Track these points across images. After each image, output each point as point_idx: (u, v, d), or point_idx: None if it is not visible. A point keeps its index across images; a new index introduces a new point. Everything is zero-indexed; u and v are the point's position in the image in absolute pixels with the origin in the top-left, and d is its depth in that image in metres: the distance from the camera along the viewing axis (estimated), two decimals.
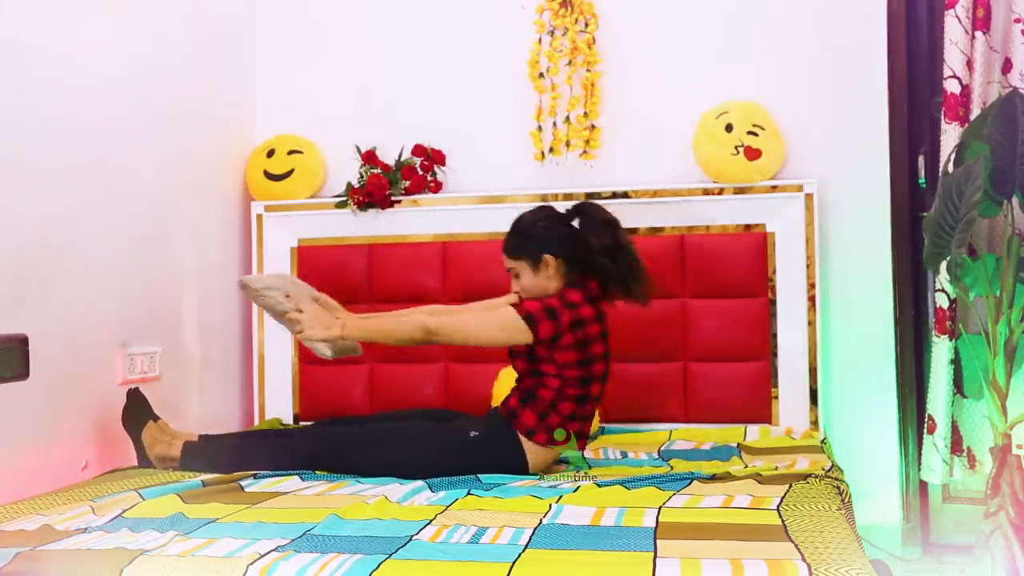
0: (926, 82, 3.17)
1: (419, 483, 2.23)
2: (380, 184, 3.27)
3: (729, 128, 3.06)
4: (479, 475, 2.32)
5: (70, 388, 2.55)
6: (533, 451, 2.44)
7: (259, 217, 3.38)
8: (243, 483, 2.25)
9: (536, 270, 2.50)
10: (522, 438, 2.43)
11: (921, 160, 3.17)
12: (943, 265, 2.70)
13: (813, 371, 3.03)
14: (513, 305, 2.42)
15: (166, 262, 3.01)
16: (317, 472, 2.38)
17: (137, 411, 2.59)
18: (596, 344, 2.45)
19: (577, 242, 2.49)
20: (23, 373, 2.23)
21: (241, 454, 2.51)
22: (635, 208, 3.16)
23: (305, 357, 3.34)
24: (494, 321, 2.41)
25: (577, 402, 2.44)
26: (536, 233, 2.52)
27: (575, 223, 2.53)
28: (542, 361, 2.44)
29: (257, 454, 2.49)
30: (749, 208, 3.09)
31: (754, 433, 2.96)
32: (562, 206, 2.61)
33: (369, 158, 3.36)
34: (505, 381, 3.09)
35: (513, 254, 2.53)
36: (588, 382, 2.45)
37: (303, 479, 2.32)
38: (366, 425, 2.66)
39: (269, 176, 3.39)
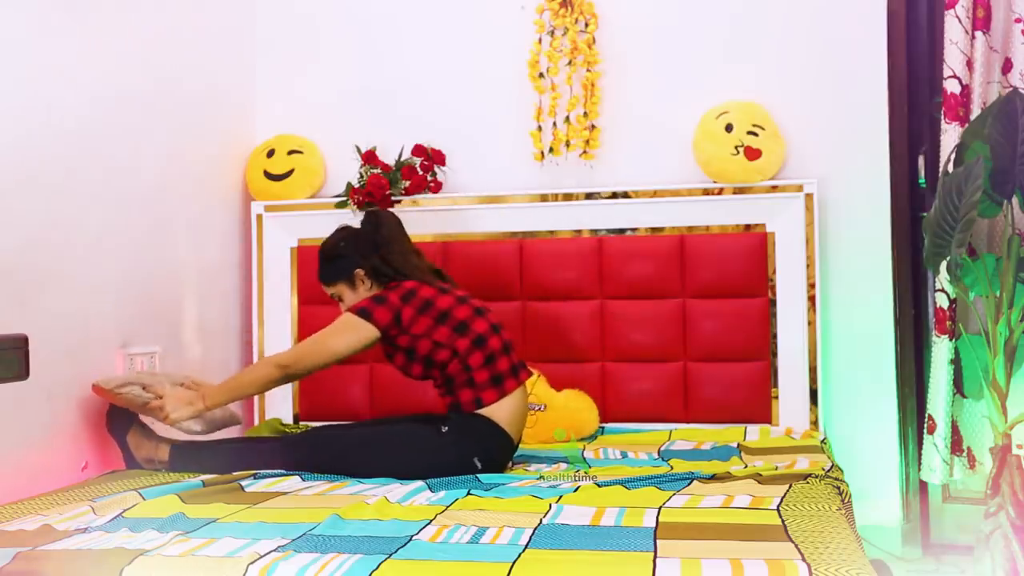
0: (926, 82, 3.17)
1: (419, 483, 2.23)
2: (380, 184, 3.27)
3: (729, 128, 3.06)
4: (479, 475, 2.32)
5: (70, 388, 2.54)
6: (499, 411, 2.46)
7: (259, 217, 3.38)
8: (244, 483, 2.25)
9: (354, 287, 2.63)
10: (481, 412, 2.45)
11: (921, 160, 3.17)
12: (943, 265, 2.70)
13: (813, 371, 3.03)
14: (347, 311, 2.52)
15: (166, 262, 3.01)
16: (302, 472, 2.38)
17: (121, 415, 2.58)
18: (457, 309, 2.50)
19: (377, 247, 2.62)
20: (23, 373, 2.22)
21: (229, 456, 2.50)
22: (635, 208, 3.16)
23: None
24: (334, 328, 2.51)
25: (488, 361, 2.48)
26: (341, 254, 2.65)
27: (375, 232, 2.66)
28: (417, 349, 2.49)
29: (245, 456, 2.48)
30: (749, 208, 3.09)
31: (754, 433, 2.96)
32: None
33: (369, 158, 3.36)
34: None
35: (329, 281, 2.67)
36: (482, 342, 2.48)
37: (303, 479, 2.32)
38: (354, 429, 2.68)
39: (269, 176, 3.39)
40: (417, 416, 2.70)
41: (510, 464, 2.55)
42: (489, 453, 2.43)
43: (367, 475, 2.36)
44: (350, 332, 2.49)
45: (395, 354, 2.55)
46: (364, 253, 2.62)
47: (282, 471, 2.37)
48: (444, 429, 2.45)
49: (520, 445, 2.60)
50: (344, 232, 2.72)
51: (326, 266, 2.68)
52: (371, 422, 2.88)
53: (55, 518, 1.92)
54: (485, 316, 2.54)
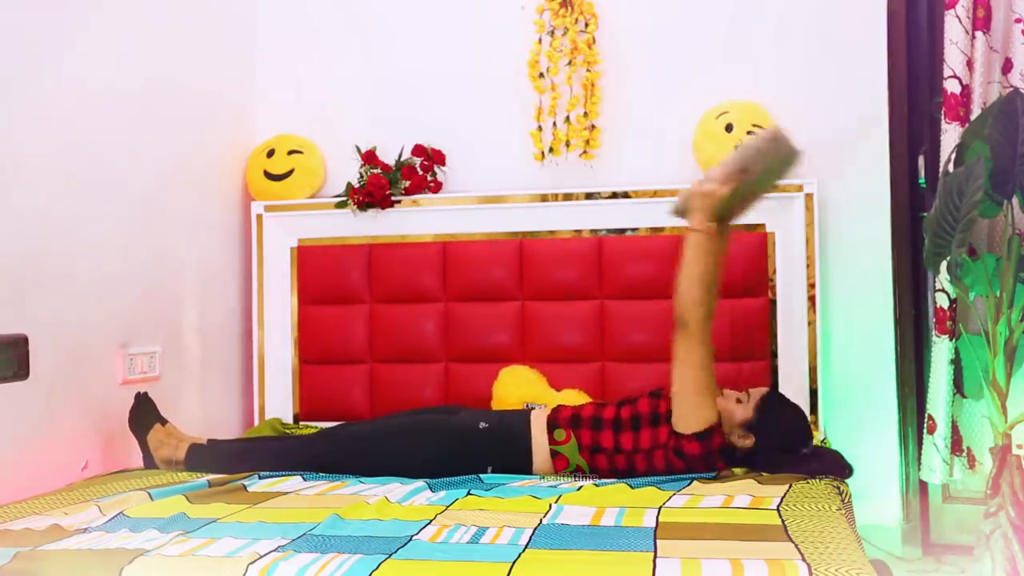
0: (926, 82, 3.17)
1: (420, 483, 2.23)
2: (380, 184, 3.27)
3: (729, 128, 3.06)
4: (480, 475, 2.32)
5: (70, 388, 2.55)
6: (540, 453, 2.44)
7: (259, 217, 3.38)
8: (247, 483, 2.25)
9: (741, 427, 2.43)
10: (534, 442, 2.44)
11: (921, 160, 3.17)
12: (943, 265, 2.70)
13: (813, 371, 3.03)
14: (718, 418, 2.38)
15: (166, 262, 3.01)
16: (318, 472, 2.38)
17: (143, 414, 2.60)
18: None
19: (777, 453, 2.42)
20: (23, 373, 2.23)
21: (246, 456, 2.51)
22: (635, 208, 3.16)
23: (305, 357, 3.35)
24: (703, 394, 2.36)
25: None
26: (778, 432, 2.45)
27: (810, 459, 2.44)
28: (639, 431, 2.41)
29: (262, 458, 2.49)
30: None
31: None
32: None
33: (369, 158, 3.36)
34: (505, 381, 3.10)
35: (757, 410, 2.45)
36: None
37: (305, 479, 2.32)
38: (375, 423, 2.68)
39: (269, 176, 3.39)
40: (436, 409, 2.71)
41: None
42: (503, 460, 2.43)
43: (391, 467, 2.37)
44: (698, 410, 2.35)
45: (651, 407, 2.46)
46: (770, 453, 2.42)
47: (283, 471, 2.37)
48: (483, 425, 2.46)
49: None
50: (803, 440, 2.50)
51: (774, 413, 2.46)
52: (386, 417, 2.86)
53: (62, 518, 1.92)
54: None
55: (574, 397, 3.07)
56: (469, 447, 2.43)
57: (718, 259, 2.38)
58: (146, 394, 2.65)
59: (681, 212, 2.43)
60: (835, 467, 2.36)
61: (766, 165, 2.39)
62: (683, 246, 2.38)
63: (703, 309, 2.34)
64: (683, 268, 2.36)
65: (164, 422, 2.61)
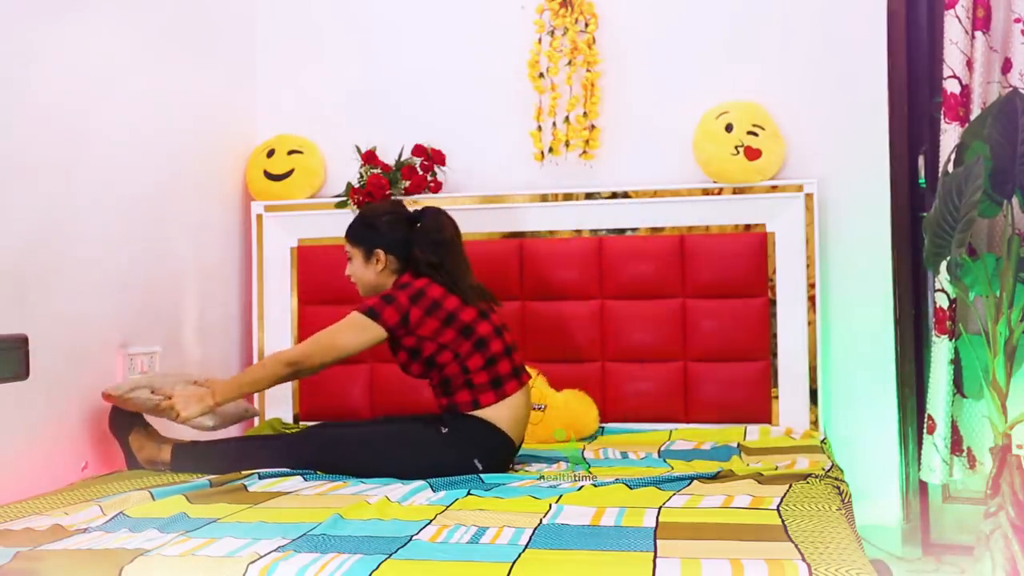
0: (926, 82, 3.17)
1: (420, 483, 2.23)
2: (380, 184, 3.27)
3: (729, 128, 3.06)
4: (480, 475, 2.32)
5: (70, 388, 2.54)
6: (498, 413, 2.45)
7: (259, 217, 3.38)
8: (247, 483, 2.25)
9: (367, 261, 2.61)
10: (478, 413, 2.45)
11: (921, 160, 3.17)
12: (943, 265, 2.70)
13: (813, 371, 3.03)
14: (373, 322, 2.48)
15: (166, 262, 3.01)
16: (319, 472, 2.38)
17: (123, 416, 2.58)
18: (463, 311, 2.48)
19: (410, 248, 2.58)
20: (23, 373, 2.23)
21: (231, 455, 2.50)
22: (635, 208, 3.16)
23: None
24: (342, 326, 2.50)
25: (489, 363, 2.48)
26: (377, 227, 2.61)
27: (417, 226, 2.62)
28: (422, 349, 2.48)
29: (248, 455, 2.48)
30: (749, 208, 3.09)
31: (754, 433, 2.96)
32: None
33: (369, 158, 3.36)
34: None
35: (351, 240, 2.64)
36: (483, 344, 2.48)
37: (306, 479, 2.32)
38: (355, 428, 2.67)
39: (269, 176, 3.39)
40: (417, 416, 2.69)
41: (512, 465, 2.55)
42: (489, 454, 2.43)
43: (368, 474, 2.36)
44: (358, 331, 2.48)
45: (399, 351, 2.55)
46: (396, 239, 2.59)
47: (285, 471, 2.37)
48: (444, 430, 2.45)
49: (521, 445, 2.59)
50: (394, 208, 2.70)
51: (359, 227, 2.64)
52: (371, 421, 2.87)
53: (64, 518, 1.92)
54: (489, 318, 2.54)
55: (574, 397, 3.07)
56: (448, 454, 2.42)
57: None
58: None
59: (216, 420, 2.58)
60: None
61: (131, 388, 2.56)
62: (246, 392, 2.59)
63: (276, 366, 2.52)
64: (262, 386, 2.61)
65: (145, 425, 2.60)
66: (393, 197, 3.29)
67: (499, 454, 2.46)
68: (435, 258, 2.55)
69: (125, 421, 2.57)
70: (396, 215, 2.65)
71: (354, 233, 2.64)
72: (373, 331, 2.47)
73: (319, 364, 2.50)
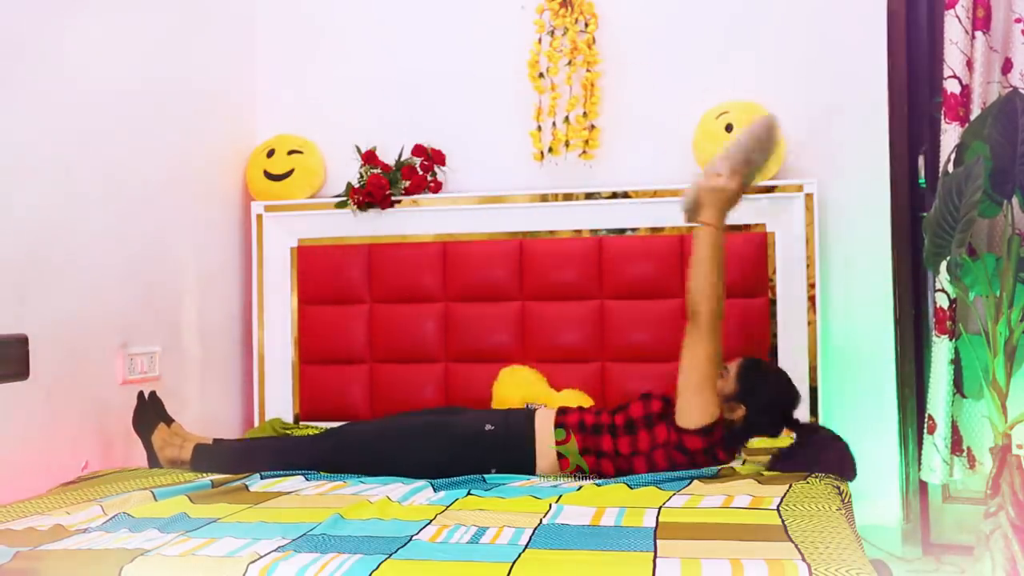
0: (926, 82, 3.17)
1: (421, 482, 2.23)
2: (380, 184, 3.27)
3: (729, 128, 3.06)
4: (483, 475, 2.32)
5: (70, 388, 2.55)
6: (544, 455, 2.43)
7: (259, 217, 3.38)
8: (248, 483, 2.25)
9: (727, 400, 2.44)
10: (538, 442, 2.43)
11: (921, 160, 3.17)
12: (943, 265, 2.70)
13: (813, 371, 3.03)
14: (720, 411, 2.40)
15: (166, 262, 3.01)
16: (321, 471, 2.38)
17: (147, 413, 2.59)
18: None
19: (771, 434, 2.52)
20: (23, 373, 2.23)
21: (252, 456, 2.51)
22: (635, 208, 3.16)
23: (305, 357, 3.35)
24: (706, 388, 2.38)
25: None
26: (768, 391, 2.48)
27: (790, 428, 2.52)
28: (648, 430, 2.42)
29: (267, 457, 2.49)
30: (749, 208, 3.08)
31: None
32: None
33: (369, 158, 3.36)
34: (505, 381, 3.09)
35: (739, 374, 2.47)
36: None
37: (307, 479, 2.32)
38: (382, 422, 2.67)
39: (269, 176, 3.39)
40: (438, 410, 2.71)
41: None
42: (508, 464, 2.42)
43: (402, 466, 2.37)
44: (700, 397, 2.37)
45: (663, 408, 2.45)
46: (765, 419, 2.48)
47: (289, 471, 2.37)
48: (488, 427, 2.46)
49: None
50: (790, 399, 2.53)
51: (754, 376, 2.48)
52: (400, 416, 2.83)
53: (65, 518, 1.92)
54: None
55: (574, 397, 3.07)
56: (474, 449, 2.42)
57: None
58: (153, 393, 2.65)
59: (691, 210, 2.46)
60: (841, 465, 2.37)
61: (766, 154, 2.45)
62: (694, 241, 2.42)
63: (713, 303, 2.38)
64: (695, 264, 2.40)
65: (170, 421, 2.61)
66: (393, 197, 3.29)
67: (514, 470, 2.44)
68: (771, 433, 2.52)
69: (150, 419, 2.58)
70: (784, 397, 2.52)
71: (744, 381, 2.46)
72: (712, 394, 2.38)
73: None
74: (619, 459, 2.41)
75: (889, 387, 3.09)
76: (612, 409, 2.52)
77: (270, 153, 3.41)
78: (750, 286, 3.08)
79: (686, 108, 3.19)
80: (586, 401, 3.07)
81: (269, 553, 1.62)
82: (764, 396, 2.47)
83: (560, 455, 2.42)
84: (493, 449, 2.43)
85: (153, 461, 2.57)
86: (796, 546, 1.61)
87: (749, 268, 3.08)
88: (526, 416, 2.51)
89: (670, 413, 2.42)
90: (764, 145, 2.45)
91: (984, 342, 2.70)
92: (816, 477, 2.22)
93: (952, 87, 2.82)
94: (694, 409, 2.37)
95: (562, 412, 2.51)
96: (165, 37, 3.01)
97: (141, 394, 2.64)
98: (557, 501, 2.01)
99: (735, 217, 3.07)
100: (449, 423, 2.53)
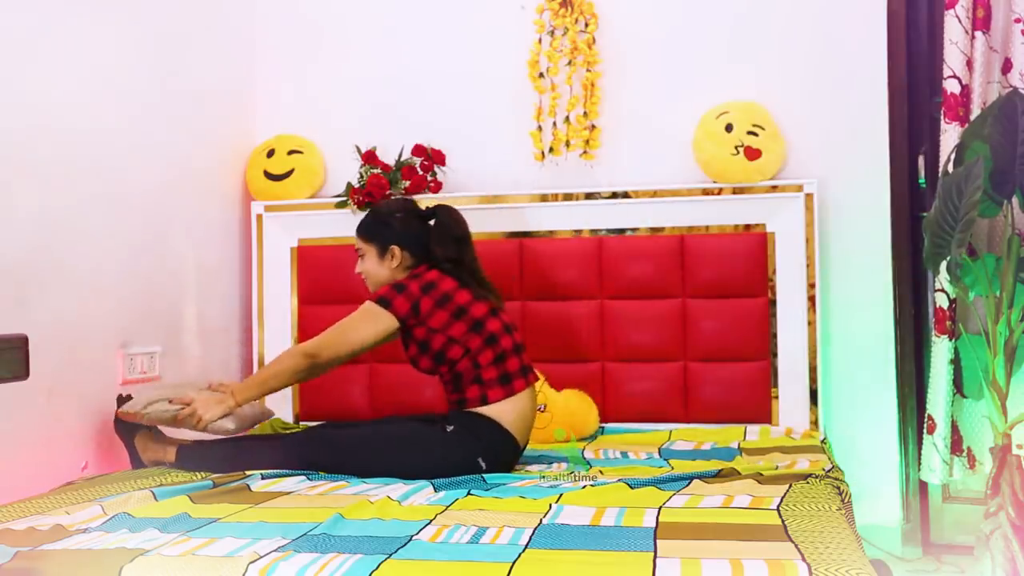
0: (926, 82, 3.17)
1: (422, 482, 2.23)
2: (380, 184, 3.27)
3: (729, 128, 3.06)
4: (483, 475, 2.32)
5: (70, 388, 2.55)
6: (504, 412, 2.44)
7: (259, 217, 3.38)
8: (250, 483, 2.25)
9: (381, 258, 2.62)
10: (487, 409, 2.44)
11: (921, 160, 3.17)
12: (943, 265, 2.70)
13: (813, 371, 3.03)
14: (386, 313, 2.48)
15: (166, 262, 3.01)
16: (301, 471, 2.38)
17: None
18: (474, 306, 2.49)
19: (425, 244, 2.59)
20: (23, 373, 2.22)
21: (233, 455, 2.50)
22: (635, 208, 3.16)
23: None
24: (355, 317, 2.51)
25: (498, 359, 2.48)
26: (391, 224, 2.62)
27: (431, 223, 2.63)
28: (432, 342, 2.48)
29: (248, 456, 2.48)
30: (749, 208, 3.09)
31: (754, 433, 2.96)
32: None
33: (369, 158, 3.36)
34: None
35: (364, 236, 2.64)
36: (494, 340, 2.48)
37: (309, 479, 2.32)
38: (358, 428, 2.66)
39: (269, 176, 3.39)
40: (419, 416, 2.69)
41: (515, 467, 2.54)
42: (493, 453, 2.42)
43: (370, 475, 2.36)
44: (371, 321, 2.48)
45: (409, 344, 2.54)
46: (411, 235, 2.61)
47: (287, 471, 2.37)
48: (449, 428, 2.45)
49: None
50: (407, 205, 2.70)
51: (372, 224, 2.65)
52: (375, 421, 2.86)
53: (65, 517, 1.92)
54: (499, 315, 2.54)
55: (574, 397, 3.07)
56: (454, 454, 2.42)
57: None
58: (129, 396, 2.64)
59: (238, 423, 2.56)
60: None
61: (148, 404, 2.53)
62: (265, 391, 2.57)
63: (293, 360, 2.50)
64: (277, 383, 2.54)
65: (151, 425, 2.60)
66: (393, 197, 3.28)
67: (503, 454, 2.45)
68: (455, 254, 2.56)
69: (130, 423, 2.57)
70: (410, 212, 2.66)
71: (367, 229, 2.64)
72: (385, 321, 2.46)
73: (334, 357, 2.48)
74: (478, 367, 2.47)
75: (889, 387, 3.09)
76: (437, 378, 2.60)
77: (270, 153, 3.41)
78: (750, 286, 3.08)
79: (686, 108, 3.19)
80: (586, 401, 3.07)
81: (269, 553, 1.62)
82: (393, 225, 2.61)
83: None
84: (468, 445, 2.42)
85: (136, 464, 2.56)
86: (796, 546, 1.61)
87: (749, 268, 3.08)
88: (459, 405, 2.51)
89: (412, 346, 2.53)
90: (139, 413, 2.52)
91: (984, 342, 2.70)
92: (816, 477, 2.22)
93: (952, 87, 2.82)
94: (389, 335, 2.49)
95: (449, 399, 2.56)
96: (165, 37, 3.01)
97: (120, 397, 2.63)
98: (557, 501, 2.01)
99: (736, 217, 3.10)
100: (411, 430, 2.52)
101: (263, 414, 2.69)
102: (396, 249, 2.59)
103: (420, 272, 2.53)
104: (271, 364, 2.59)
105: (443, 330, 2.47)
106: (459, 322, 2.47)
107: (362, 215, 3.29)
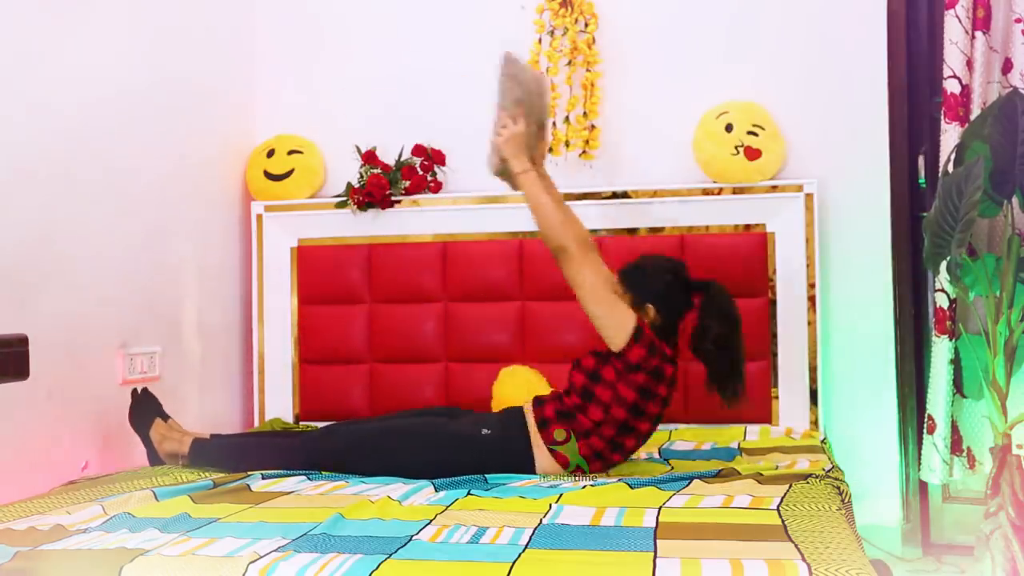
0: (926, 82, 3.18)
1: (421, 482, 2.23)
2: (380, 184, 3.27)
3: (729, 128, 3.06)
4: (485, 475, 2.31)
5: (70, 388, 2.55)
6: (544, 459, 2.41)
7: (259, 217, 3.38)
8: (250, 483, 2.25)
9: (630, 306, 2.43)
10: (534, 444, 2.41)
11: (921, 160, 3.17)
12: (943, 265, 2.70)
13: (813, 371, 3.03)
14: (637, 316, 2.38)
15: (166, 262, 3.01)
16: (323, 471, 2.38)
17: (143, 409, 2.59)
18: (662, 385, 2.40)
19: (690, 321, 2.45)
20: (23, 373, 2.22)
21: (248, 453, 2.50)
22: (635, 208, 3.16)
23: (305, 357, 3.34)
24: (611, 304, 2.38)
25: (619, 432, 2.39)
26: (656, 279, 2.47)
27: (696, 298, 2.49)
28: (600, 383, 2.39)
29: (264, 453, 2.48)
30: (749, 208, 3.09)
31: (754, 433, 2.96)
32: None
33: (369, 158, 3.36)
34: (505, 381, 3.09)
35: (624, 283, 2.48)
36: (639, 415, 2.39)
37: (310, 478, 2.32)
38: (380, 423, 2.65)
39: (269, 176, 3.39)
40: (438, 410, 2.69)
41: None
42: (506, 469, 2.38)
43: (396, 472, 2.34)
44: (609, 319, 2.36)
45: (586, 371, 2.43)
46: (672, 302, 2.46)
47: (288, 470, 2.37)
48: (485, 432, 2.43)
49: None
50: (676, 269, 2.53)
51: (636, 273, 2.49)
52: (395, 416, 2.79)
53: (66, 517, 1.92)
54: (663, 405, 2.44)
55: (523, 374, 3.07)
56: (471, 452, 2.41)
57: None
58: (146, 389, 2.65)
59: (500, 170, 2.50)
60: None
61: (526, 87, 2.49)
62: (525, 194, 2.45)
63: (573, 230, 2.44)
64: (537, 209, 2.43)
65: (166, 417, 2.60)
66: (393, 197, 3.29)
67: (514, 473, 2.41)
68: (727, 330, 2.42)
69: (146, 415, 2.58)
70: (678, 274, 2.51)
71: (631, 279, 2.48)
72: (612, 333, 2.36)
73: (569, 274, 2.40)
74: (600, 427, 2.37)
75: (889, 387, 3.09)
76: (566, 390, 2.48)
77: (270, 153, 3.41)
78: (750, 286, 3.08)
79: (686, 108, 3.19)
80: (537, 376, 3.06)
81: (269, 553, 1.62)
82: (657, 284, 2.47)
83: (555, 452, 2.40)
84: (490, 453, 2.41)
85: (153, 456, 2.56)
86: (796, 546, 1.61)
87: (749, 268, 3.08)
88: (518, 417, 2.46)
89: (604, 352, 2.41)
90: (519, 77, 2.48)
91: (984, 342, 2.70)
92: (816, 477, 2.22)
93: (952, 87, 2.82)
94: (612, 327, 2.37)
95: (540, 409, 2.45)
96: (165, 36, 3.01)
97: (135, 391, 2.63)
98: (557, 501, 2.01)
99: (737, 217, 3.10)
100: (445, 425, 2.51)
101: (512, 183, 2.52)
102: (650, 308, 2.42)
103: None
104: (557, 207, 2.45)
105: (618, 382, 2.37)
106: (640, 395, 2.36)
107: (362, 215, 3.30)
